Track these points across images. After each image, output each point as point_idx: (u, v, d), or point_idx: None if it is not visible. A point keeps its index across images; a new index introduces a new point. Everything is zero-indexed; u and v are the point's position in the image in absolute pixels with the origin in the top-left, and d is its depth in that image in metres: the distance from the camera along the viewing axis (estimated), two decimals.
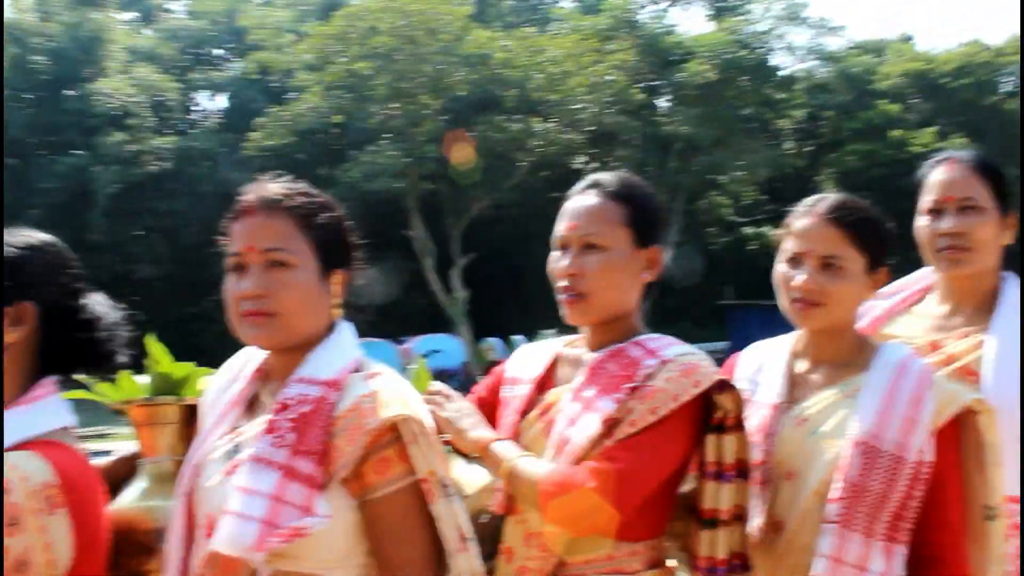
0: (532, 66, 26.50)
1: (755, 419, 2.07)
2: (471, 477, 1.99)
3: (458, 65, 26.06)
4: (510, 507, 1.97)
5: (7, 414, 1.61)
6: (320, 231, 1.74)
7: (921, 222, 2.48)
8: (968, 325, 2.43)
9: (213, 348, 2.74)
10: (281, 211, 1.71)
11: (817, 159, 32.79)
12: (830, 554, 1.89)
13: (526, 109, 26.96)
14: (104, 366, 1.79)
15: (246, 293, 1.68)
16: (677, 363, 1.89)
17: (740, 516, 1.95)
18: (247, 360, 1.86)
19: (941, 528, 1.94)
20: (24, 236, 1.71)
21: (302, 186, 1.79)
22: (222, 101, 34.90)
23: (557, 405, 1.98)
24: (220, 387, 1.85)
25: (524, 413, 2.03)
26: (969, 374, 2.33)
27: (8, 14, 30.27)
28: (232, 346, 1.83)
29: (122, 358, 1.79)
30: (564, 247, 2.01)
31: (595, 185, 2.03)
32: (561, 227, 2.02)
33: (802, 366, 2.14)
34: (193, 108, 34.90)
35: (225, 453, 1.73)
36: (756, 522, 2.04)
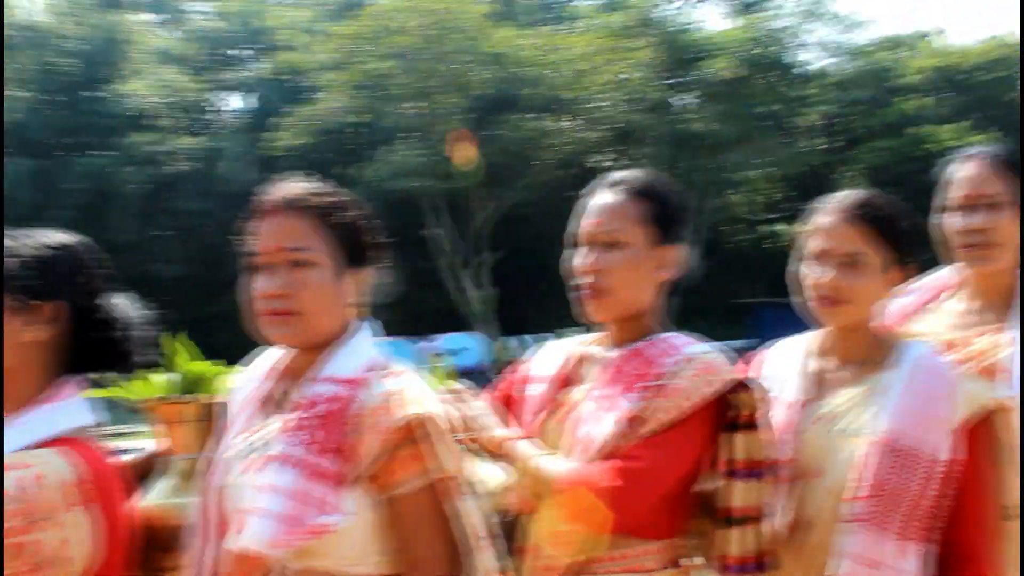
0: (553, 64, 26.48)
1: (780, 417, 2.06)
2: (488, 476, 2.00)
3: (480, 64, 26.07)
4: (532, 505, 1.97)
5: (31, 413, 1.64)
6: (342, 230, 1.74)
7: (945, 219, 2.45)
8: (992, 322, 2.40)
9: (232, 347, 2.75)
10: (304, 211, 1.72)
11: (841, 155, 32.54)
12: (854, 552, 1.88)
13: (547, 107, 26.94)
14: (128, 365, 1.80)
15: (270, 292, 1.68)
16: (697, 362, 1.88)
17: (755, 516, 1.94)
18: (270, 358, 1.88)
19: (967, 526, 1.93)
20: (57, 236, 1.73)
21: (325, 186, 1.79)
22: (245, 101, 35.07)
23: (578, 403, 1.97)
24: (246, 385, 1.86)
25: (545, 411, 2.03)
26: (993, 372, 2.30)
27: (33, 17, 30.57)
28: (251, 345, 1.84)
29: (146, 357, 1.81)
30: (584, 244, 2.00)
31: (617, 182, 2.02)
32: (582, 224, 2.01)
33: (826, 364, 2.13)
34: (216, 109, 35.07)
35: (249, 450, 1.74)
36: (784, 520, 2.03)
